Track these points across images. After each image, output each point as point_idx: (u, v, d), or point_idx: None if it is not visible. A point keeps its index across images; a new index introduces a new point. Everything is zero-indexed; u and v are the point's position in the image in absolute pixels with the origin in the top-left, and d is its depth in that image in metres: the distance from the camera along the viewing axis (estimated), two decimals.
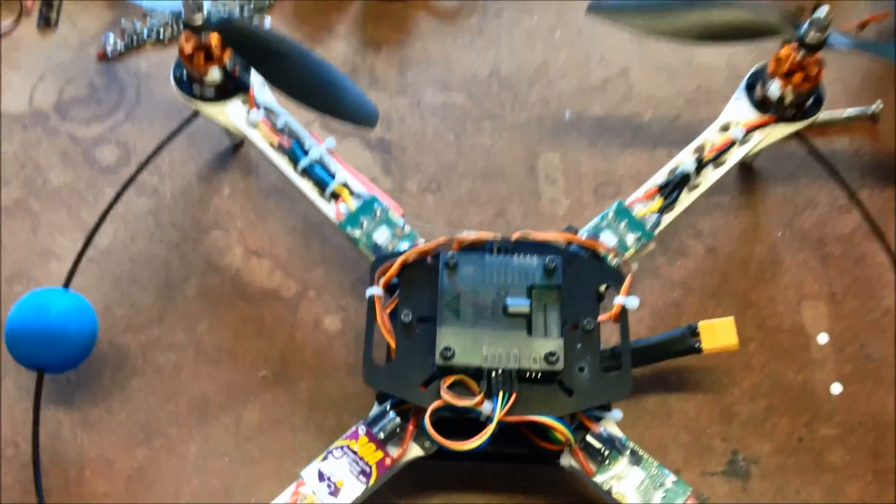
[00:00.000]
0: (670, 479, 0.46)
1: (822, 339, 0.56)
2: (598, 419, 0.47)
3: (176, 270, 0.58)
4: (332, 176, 0.54)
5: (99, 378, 0.54)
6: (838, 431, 0.53)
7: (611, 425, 0.47)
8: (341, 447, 0.46)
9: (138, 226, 0.60)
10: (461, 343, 0.45)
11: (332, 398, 0.54)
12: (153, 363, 0.55)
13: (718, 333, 0.50)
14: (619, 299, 0.48)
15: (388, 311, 0.48)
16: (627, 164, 0.63)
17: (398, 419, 0.46)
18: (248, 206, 0.61)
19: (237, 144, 0.63)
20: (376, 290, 0.48)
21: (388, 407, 0.47)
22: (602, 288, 0.49)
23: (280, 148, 0.55)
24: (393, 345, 0.47)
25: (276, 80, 0.50)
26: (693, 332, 0.50)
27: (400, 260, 0.48)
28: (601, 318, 0.48)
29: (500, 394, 0.44)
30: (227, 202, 0.61)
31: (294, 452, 0.53)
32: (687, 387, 0.55)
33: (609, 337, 0.51)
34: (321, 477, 0.45)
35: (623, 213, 0.53)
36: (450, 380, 0.45)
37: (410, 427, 0.46)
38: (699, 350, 0.50)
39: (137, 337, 0.56)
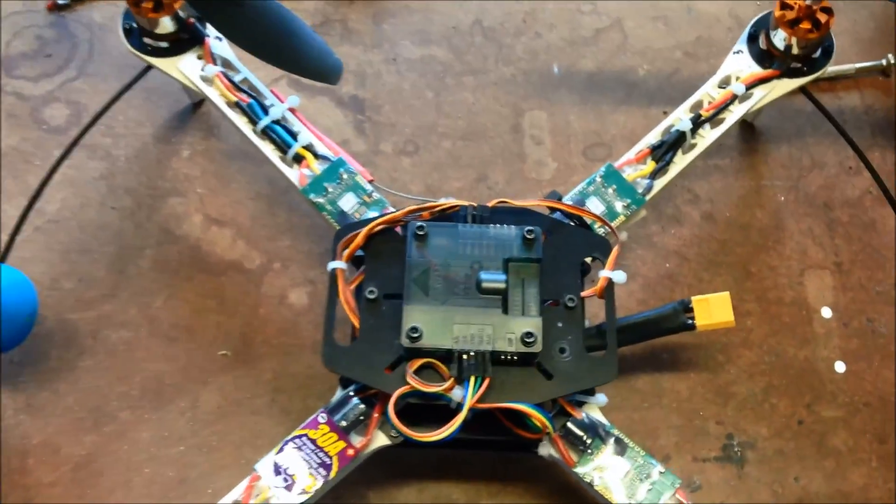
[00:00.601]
0: (657, 469, 0.42)
1: (826, 312, 0.52)
2: (581, 404, 0.43)
3: (130, 240, 0.54)
4: (295, 137, 0.49)
5: (45, 358, 0.50)
6: (842, 413, 0.49)
7: (594, 410, 0.43)
8: (299, 437, 0.42)
9: (89, 192, 0.55)
10: (430, 322, 0.41)
11: (298, 379, 0.50)
12: (104, 342, 0.51)
13: (713, 309, 0.45)
14: (605, 273, 0.43)
15: (353, 286, 0.44)
16: (620, 123, 0.58)
17: (362, 406, 0.42)
18: (209, 170, 0.56)
19: (197, 102, 0.58)
20: (338, 264, 0.44)
21: (352, 392, 0.43)
22: (587, 260, 0.44)
23: (238, 106, 0.50)
24: (357, 324, 0.43)
25: (227, 30, 0.45)
26: (686, 308, 0.46)
27: (365, 230, 0.44)
28: (586, 293, 0.44)
29: (472, 379, 0.40)
30: (187, 165, 0.56)
31: (255, 438, 0.49)
32: (679, 365, 0.51)
33: (596, 311, 0.47)
34: (277, 470, 0.41)
35: (612, 176, 0.48)
36: (417, 363, 0.41)
37: (376, 414, 0.42)
38: (692, 327, 0.46)
39: (87, 313, 0.52)
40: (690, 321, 0.46)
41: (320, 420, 0.42)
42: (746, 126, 0.57)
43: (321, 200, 0.48)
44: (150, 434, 0.49)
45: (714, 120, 0.50)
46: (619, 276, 0.43)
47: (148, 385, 0.50)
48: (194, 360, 0.51)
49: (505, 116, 0.59)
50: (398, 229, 0.45)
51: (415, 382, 0.40)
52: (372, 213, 0.47)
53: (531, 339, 0.40)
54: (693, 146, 0.49)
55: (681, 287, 0.53)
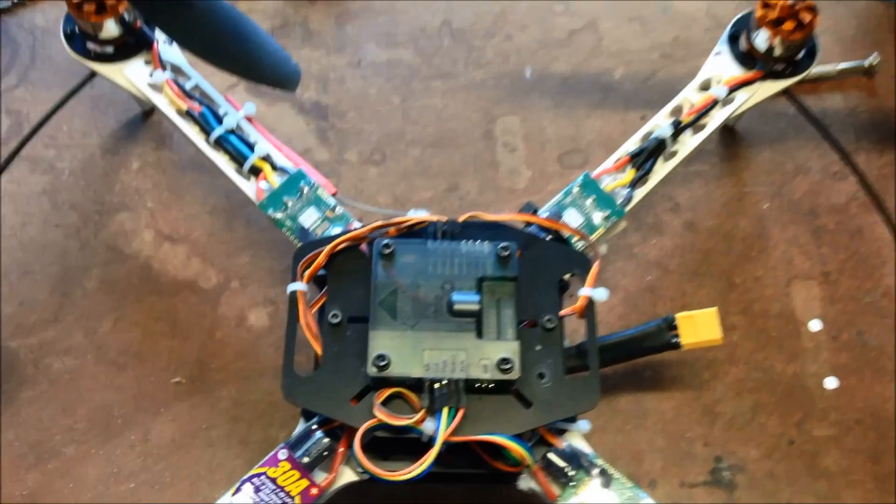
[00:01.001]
0: (645, 502, 0.39)
1: (815, 325, 0.50)
2: (562, 432, 0.40)
3: (75, 260, 0.50)
4: (252, 148, 0.46)
5: None
6: (833, 432, 0.47)
7: (576, 439, 0.41)
8: (258, 475, 0.39)
9: (31, 208, 0.51)
10: (398, 349, 0.38)
11: (258, 407, 0.47)
12: (47, 371, 0.47)
13: (699, 326, 0.43)
14: (586, 291, 0.40)
15: (315, 309, 0.41)
16: (596, 128, 0.55)
17: (326, 440, 0.39)
18: (160, 183, 0.53)
19: (148, 111, 0.55)
20: (299, 286, 0.40)
21: (315, 425, 0.39)
22: (566, 276, 0.42)
23: (189, 115, 0.47)
24: (319, 351, 0.39)
25: (174, 32, 0.42)
26: (670, 325, 0.43)
27: (327, 249, 0.41)
28: (564, 311, 0.41)
29: (445, 410, 0.37)
30: (137, 178, 0.53)
31: (212, 473, 0.45)
32: (664, 383, 0.48)
33: (575, 327, 0.44)
34: None
35: (590, 186, 0.45)
36: (385, 393, 0.38)
37: (341, 449, 0.39)
38: (677, 345, 0.43)
39: (28, 340, 0.48)
40: (675, 339, 0.43)
41: (280, 457, 0.39)
42: (727, 130, 0.55)
43: (280, 216, 0.45)
44: (98, 471, 0.45)
45: (695, 125, 0.47)
46: (601, 294, 0.40)
47: (95, 417, 0.46)
48: (145, 388, 0.47)
49: (476, 122, 0.56)
50: (363, 247, 0.42)
51: (382, 415, 0.37)
52: (335, 230, 0.44)
53: (508, 366, 0.37)
54: (674, 153, 0.47)
55: (663, 300, 0.50)
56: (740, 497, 0.46)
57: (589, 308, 0.40)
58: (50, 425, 0.46)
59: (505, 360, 0.38)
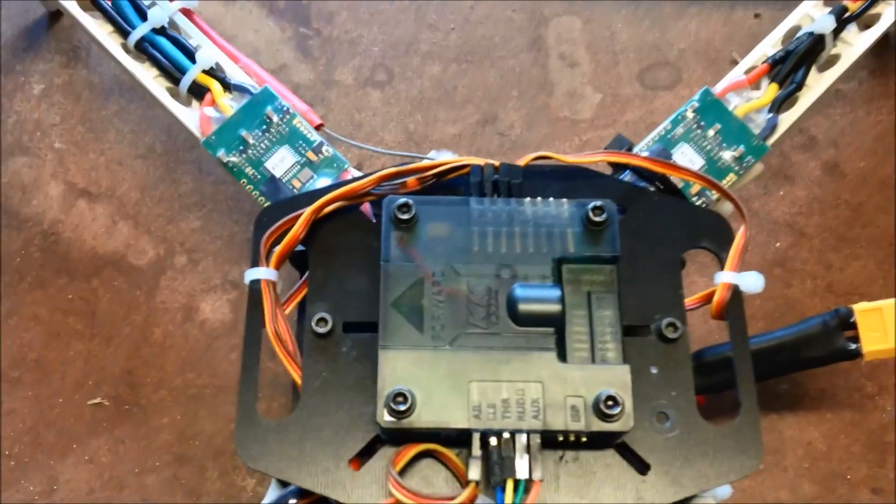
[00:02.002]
0: None
1: None
2: (689, 499, 0.25)
3: None
4: (193, 57, 0.30)
5: None
6: None
7: None
8: None
9: None
10: (428, 380, 0.23)
11: (215, 441, 0.32)
12: None
13: (892, 323, 0.28)
14: (727, 276, 0.25)
15: (290, 308, 0.26)
16: (691, 32, 0.39)
17: None
18: (73, 114, 0.37)
19: (55, 12, 0.38)
20: (263, 272, 0.25)
21: (294, 498, 0.24)
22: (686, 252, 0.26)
23: (98, 7, 0.31)
24: (297, 378, 0.24)
25: None
26: (843, 323, 0.28)
27: (308, 212, 0.25)
28: (689, 302, 0.25)
29: (509, 484, 0.22)
30: (39, 107, 0.37)
31: None
32: (808, 401, 0.33)
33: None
34: None
35: (713, 109, 0.30)
36: (408, 454, 0.23)
37: None
38: (855, 355, 0.28)
39: None
40: (853, 346, 0.28)
41: None
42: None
43: (236, 160, 0.29)
44: None
45: (862, 16, 0.31)
46: (753, 282, 0.25)
47: None
48: (49, 415, 0.32)
49: (520, 27, 0.40)
50: (366, 209, 0.26)
51: (405, 495, 0.22)
52: (321, 181, 0.29)
53: (615, 408, 0.22)
54: (834, 59, 0.31)
55: (800, 278, 0.35)
56: None
57: (734, 304, 0.25)
58: None
59: (609, 399, 0.22)
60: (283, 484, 0.25)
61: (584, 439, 0.23)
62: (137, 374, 0.33)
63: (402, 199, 0.25)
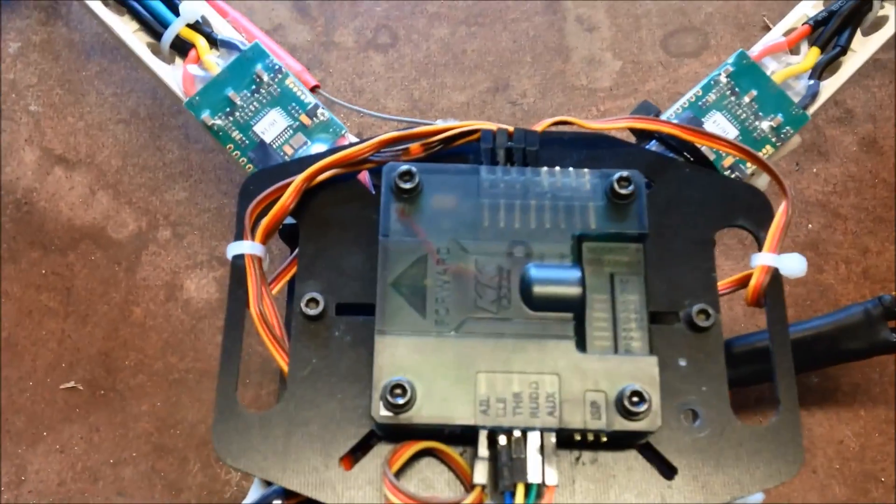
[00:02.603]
0: None
1: None
2: None
3: None
4: (176, 10, 0.27)
5: None
6: None
7: None
8: None
9: None
10: (430, 370, 0.20)
11: (197, 431, 0.30)
12: None
13: None
14: (766, 258, 0.22)
15: (278, 288, 0.23)
16: None
17: None
18: (51, 75, 0.34)
19: None
20: (248, 247, 0.22)
21: (279, 499, 0.22)
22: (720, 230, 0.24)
23: None
24: (284, 366, 0.22)
25: None
26: (888, 312, 0.25)
27: (298, 180, 0.22)
28: (722, 286, 0.23)
29: (520, 488, 0.19)
30: (14, 68, 0.35)
31: None
32: (839, 395, 0.31)
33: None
34: None
35: (749, 74, 0.27)
36: (406, 452, 0.21)
37: None
38: None
39: None
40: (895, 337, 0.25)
41: None
42: None
43: (222, 122, 0.26)
44: None
45: None
46: (795, 265, 0.22)
47: None
48: (19, 399, 0.30)
49: None
50: (364, 178, 0.23)
51: (402, 499, 0.20)
52: (316, 147, 0.26)
53: (641, 405, 0.20)
54: (882, 21, 0.28)
55: (833, 262, 0.32)
56: None
57: (773, 289, 0.22)
58: None
59: (634, 395, 0.20)
60: (268, 481, 0.23)
61: (604, 439, 0.20)
62: (115, 357, 0.31)
63: (405, 167, 0.22)
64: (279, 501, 0.22)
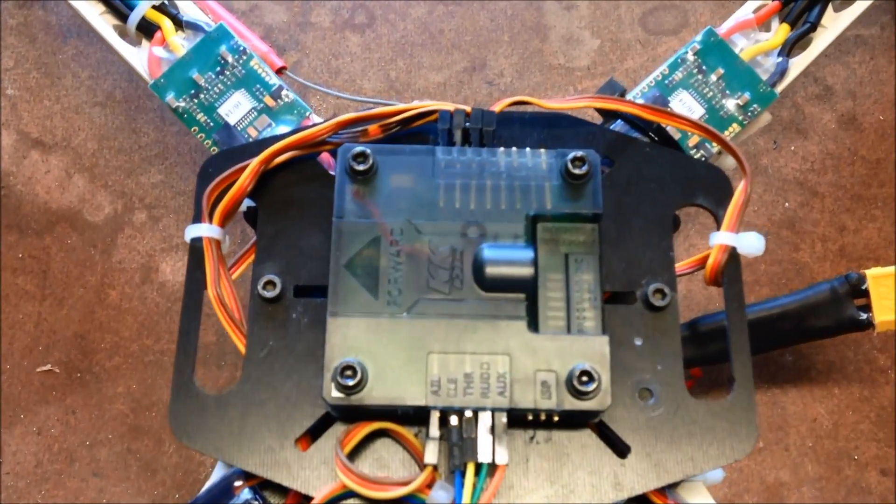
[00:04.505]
0: None
1: None
2: (675, 484, 0.23)
3: None
4: None
5: None
6: None
7: (697, 495, 0.23)
8: None
9: None
10: (382, 350, 0.20)
11: None
12: None
13: None
14: (724, 237, 0.22)
15: (240, 270, 0.23)
16: None
17: (258, 503, 0.22)
18: (27, 57, 0.35)
19: None
20: (206, 229, 0.22)
21: (240, 480, 0.22)
22: (679, 209, 0.24)
23: None
24: (242, 347, 0.22)
25: None
26: (854, 290, 0.25)
27: (255, 161, 0.23)
28: (680, 267, 0.23)
29: (470, 468, 0.20)
30: None
31: None
32: (813, 374, 0.31)
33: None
34: None
35: (717, 52, 0.27)
36: (359, 433, 0.21)
37: None
38: (866, 325, 0.25)
39: None
40: (864, 316, 0.25)
41: None
42: None
43: (186, 104, 0.26)
44: None
45: None
46: (752, 244, 0.22)
47: None
48: None
49: None
50: (326, 160, 0.23)
51: (352, 479, 0.20)
52: (281, 129, 0.26)
53: (590, 384, 0.20)
54: None
55: (810, 240, 0.32)
56: None
57: (730, 268, 0.22)
58: None
59: (584, 374, 0.20)
60: (228, 464, 0.23)
61: (556, 418, 0.20)
62: (91, 339, 0.31)
63: (359, 148, 0.22)
64: (240, 482, 0.22)
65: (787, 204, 0.33)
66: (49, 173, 0.33)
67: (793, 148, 0.34)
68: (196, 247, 0.23)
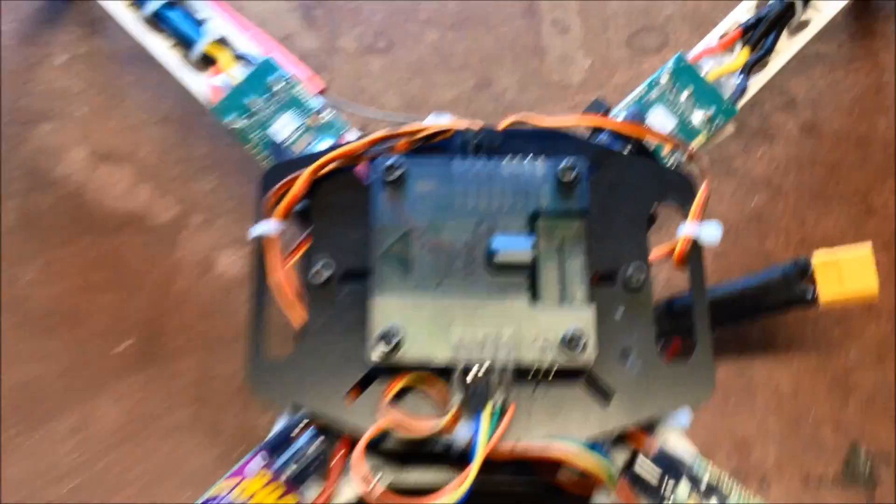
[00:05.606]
0: None
1: None
2: (652, 427, 0.28)
3: None
4: (202, 27, 0.33)
5: None
6: None
7: (673, 437, 0.28)
8: (228, 491, 0.27)
9: None
10: (415, 321, 0.26)
11: (233, 384, 0.35)
12: None
13: (847, 274, 0.30)
14: (689, 228, 0.27)
15: (294, 261, 0.28)
16: None
17: (319, 442, 0.27)
18: (94, 83, 0.40)
19: None
20: (267, 227, 0.28)
21: (304, 421, 0.27)
22: (655, 206, 0.29)
23: None
24: (299, 323, 0.27)
25: None
26: (802, 272, 0.30)
27: (307, 172, 0.28)
28: (654, 255, 0.28)
29: (487, 409, 0.25)
30: (63, 77, 0.40)
31: (172, 472, 0.34)
32: (777, 346, 0.36)
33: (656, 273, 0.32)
34: None
35: (686, 74, 0.32)
36: (397, 385, 0.26)
37: (340, 454, 0.27)
38: (813, 302, 0.30)
39: None
40: (811, 294, 0.30)
41: (256, 465, 0.27)
42: None
43: (242, 125, 0.32)
44: (23, 468, 0.34)
45: None
46: (711, 233, 0.28)
47: (16, 398, 0.35)
48: (82, 359, 0.36)
49: None
50: (361, 170, 0.29)
51: (392, 419, 0.25)
52: (322, 144, 0.31)
53: (579, 344, 0.25)
54: (805, 24, 0.33)
55: (775, 233, 0.37)
56: (884, 496, 0.34)
57: (693, 254, 0.28)
58: None
59: (574, 337, 0.25)
60: (291, 413, 0.28)
61: (553, 372, 0.26)
62: (159, 323, 0.36)
63: (391, 160, 0.27)
64: (303, 425, 0.27)
65: (754, 201, 0.38)
66: (117, 183, 0.38)
67: (760, 152, 0.39)
68: (259, 243, 0.28)
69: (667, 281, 0.36)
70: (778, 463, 0.34)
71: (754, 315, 0.31)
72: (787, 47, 0.33)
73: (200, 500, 0.27)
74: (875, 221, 0.37)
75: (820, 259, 0.30)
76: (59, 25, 0.41)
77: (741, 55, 0.32)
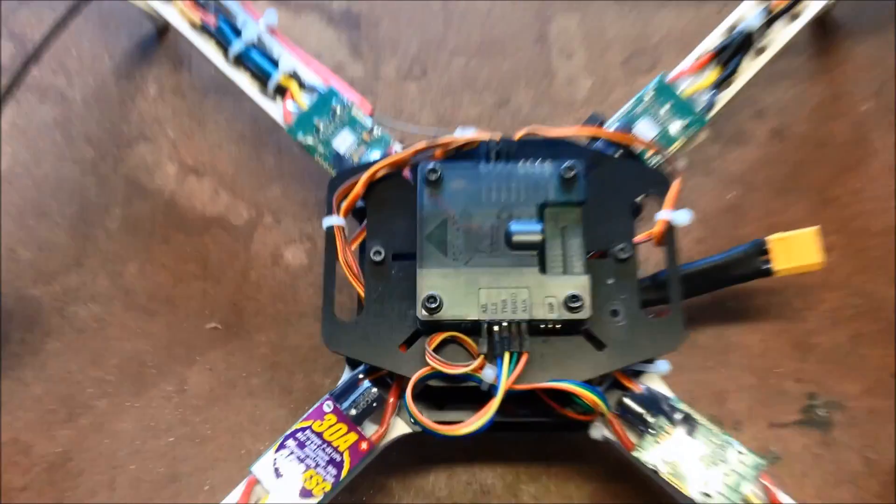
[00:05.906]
0: (736, 450, 0.34)
1: None
2: (638, 374, 0.35)
3: (94, 198, 0.46)
4: (276, 63, 0.41)
5: (6, 342, 0.43)
6: None
7: (655, 381, 0.36)
8: (302, 430, 0.35)
9: (43, 142, 0.47)
10: (451, 288, 0.33)
11: (299, 352, 0.43)
12: (72, 319, 0.44)
13: (795, 250, 0.37)
14: (664, 214, 0.35)
15: (355, 246, 0.36)
16: (667, 25, 0.49)
17: (375, 390, 0.35)
18: (181, 109, 0.48)
19: (162, 28, 0.49)
20: (335, 220, 0.36)
21: (361, 374, 0.35)
22: (640, 198, 0.36)
23: (204, 30, 0.41)
24: (361, 292, 0.35)
25: None
26: (761, 250, 0.38)
27: (364, 176, 0.36)
28: (639, 238, 0.35)
29: (507, 355, 0.32)
30: (155, 105, 0.48)
31: (254, 424, 0.42)
32: (749, 314, 0.43)
33: (646, 256, 0.39)
34: (277, 472, 0.34)
35: (665, 91, 0.39)
36: (438, 338, 0.34)
37: (392, 399, 0.35)
38: (769, 272, 0.38)
39: (50, 287, 0.44)
40: (767, 266, 0.37)
41: (325, 409, 0.35)
42: (820, 20, 0.47)
43: (311, 141, 0.40)
44: (133, 425, 0.42)
45: (790, 12, 0.40)
46: (682, 217, 0.35)
47: (126, 368, 0.43)
48: (178, 336, 0.44)
49: (527, 24, 0.49)
50: (406, 173, 0.36)
51: (436, 363, 0.33)
52: (374, 154, 0.39)
53: (577, 304, 0.33)
54: (763, 49, 0.40)
55: (747, 221, 0.44)
56: (838, 437, 0.41)
57: (668, 234, 0.35)
58: (80, 378, 0.43)
59: (574, 298, 0.33)
60: (352, 368, 0.36)
61: (557, 326, 0.33)
62: (241, 305, 0.44)
63: (432, 165, 0.35)
64: (363, 375, 0.35)
65: (730, 195, 0.45)
66: (202, 191, 0.47)
67: (735, 154, 0.46)
68: (330, 232, 0.36)
69: (656, 265, 0.43)
70: (749, 410, 0.41)
71: (722, 284, 0.39)
72: (750, 67, 0.40)
73: (291, 431, 0.35)
74: (831, 210, 0.44)
75: (774, 238, 0.37)
76: (151, 62, 0.49)
77: (711, 75, 0.40)
